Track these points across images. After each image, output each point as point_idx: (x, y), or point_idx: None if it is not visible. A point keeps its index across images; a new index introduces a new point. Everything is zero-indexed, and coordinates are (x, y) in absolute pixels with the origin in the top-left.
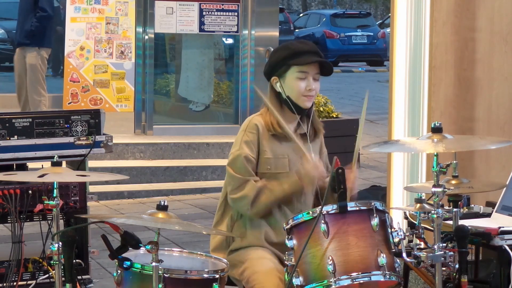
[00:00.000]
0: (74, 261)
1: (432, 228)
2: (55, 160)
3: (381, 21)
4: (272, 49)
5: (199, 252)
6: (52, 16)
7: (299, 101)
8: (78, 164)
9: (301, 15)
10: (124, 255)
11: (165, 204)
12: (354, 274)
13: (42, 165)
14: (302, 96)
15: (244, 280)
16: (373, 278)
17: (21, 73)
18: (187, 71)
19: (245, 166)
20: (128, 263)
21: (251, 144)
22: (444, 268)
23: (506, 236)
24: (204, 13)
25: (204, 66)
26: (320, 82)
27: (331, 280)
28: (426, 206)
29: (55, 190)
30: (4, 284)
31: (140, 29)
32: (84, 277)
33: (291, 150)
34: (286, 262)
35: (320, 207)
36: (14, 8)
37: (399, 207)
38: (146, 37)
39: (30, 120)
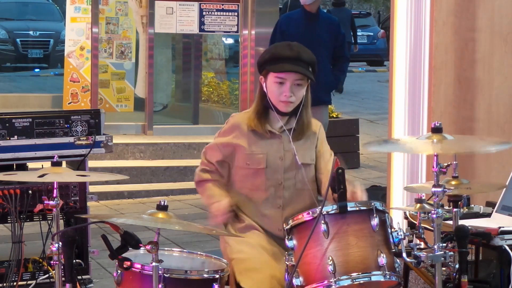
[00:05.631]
0: (74, 261)
1: (432, 228)
2: (55, 160)
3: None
4: None
5: (199, 252)
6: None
7: (278, 105)
8: (78, 164)
9: None
10: (124, 255)
11: (165, 204)
12: (354, 274)
13: (42, 165)
14: (280, 102)
15: (233, 254)
16: (373, 278)
17: None
18: (143, 71)
19: (211, 154)
20: (128, 263)
21: (225, 137)
22: (444, 268)
23: (506, 236)
24: (204, 13)
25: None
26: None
27: (331, 280)
28: (426, 206)
29: (55, 190)
30: (4, 284)
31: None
32: (84, 277)
33: (272, 146)
34: (286, 262)
35: (320, 207)
36: (15, 8)
37: (399, 207)
38: (146, 37)
39: (30, 120)
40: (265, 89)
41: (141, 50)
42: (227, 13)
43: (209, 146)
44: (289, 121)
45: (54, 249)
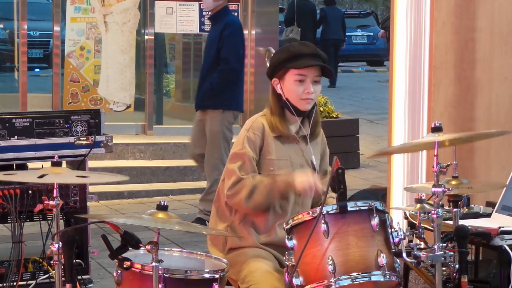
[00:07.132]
0: (74, 261)
1: (432, 228)
2: (55, 160)
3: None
4: (272, 49)
5: (199, 252)
6: (236, 69)
7: (298, 104)
8: (78, 164)
9: None
10: (124, 255)
11: (165, 204)
12: (354, 274)
13: (42, 165)
14: (301, 100)
15: (240, 279)
16: (373, 278)
17: (197, 137)
18: (107, 70)
19: (247, 165)
20: (128, 263)
21: (252, 144)
22: (444, 268)
23: (506, 236)
24: (204, 13)
25: (125, 65)
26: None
27: (331, 280)
28: (426, 206)
29: (55, 190)
30: (4, 284)
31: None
32: (84, 277)
33: (293, 151)
34: (286, 262)
35: (320, 207)
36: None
37: (399, 207)
38: (146, 37)
39: (30, 120)
40: (279, 91)
41: (104, 50)
42: None
43: (242, 155)
44: (303, 124)
45: (54, 249)
